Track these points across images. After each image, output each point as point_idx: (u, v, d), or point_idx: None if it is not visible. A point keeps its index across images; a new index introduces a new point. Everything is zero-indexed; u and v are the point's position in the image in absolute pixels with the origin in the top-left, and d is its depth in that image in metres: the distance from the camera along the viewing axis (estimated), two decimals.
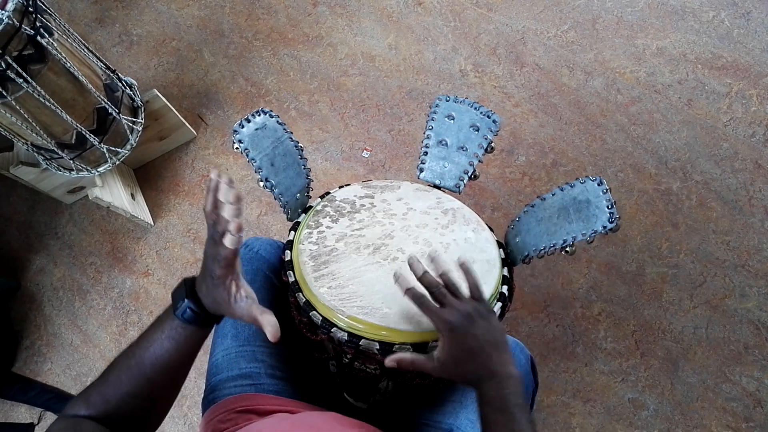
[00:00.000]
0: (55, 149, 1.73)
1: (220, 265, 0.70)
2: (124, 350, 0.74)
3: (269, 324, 0.72)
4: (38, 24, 1.48)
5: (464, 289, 0.80)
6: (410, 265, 0.81)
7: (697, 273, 1.73)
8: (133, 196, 2.05)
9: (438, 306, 0.77)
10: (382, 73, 2.24)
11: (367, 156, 2.07)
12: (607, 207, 0.87)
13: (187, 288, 0.74)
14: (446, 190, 1.11)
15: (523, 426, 0.68)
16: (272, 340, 0.72)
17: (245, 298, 0.74)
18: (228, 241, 0.67)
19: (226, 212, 0.67)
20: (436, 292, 0.78)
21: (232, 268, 0.72)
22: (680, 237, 1.78)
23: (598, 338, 1.69)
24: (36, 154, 1.80)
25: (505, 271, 0.96)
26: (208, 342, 0.85)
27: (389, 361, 0.79)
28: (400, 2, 2.39)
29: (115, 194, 1.95)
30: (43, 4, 1.55)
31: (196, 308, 0.73)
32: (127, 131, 1.86)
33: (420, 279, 0.79)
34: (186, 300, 0.73)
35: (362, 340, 0.83)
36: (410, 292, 0.78)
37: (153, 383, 0.72)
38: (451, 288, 0.79)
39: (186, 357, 0.75)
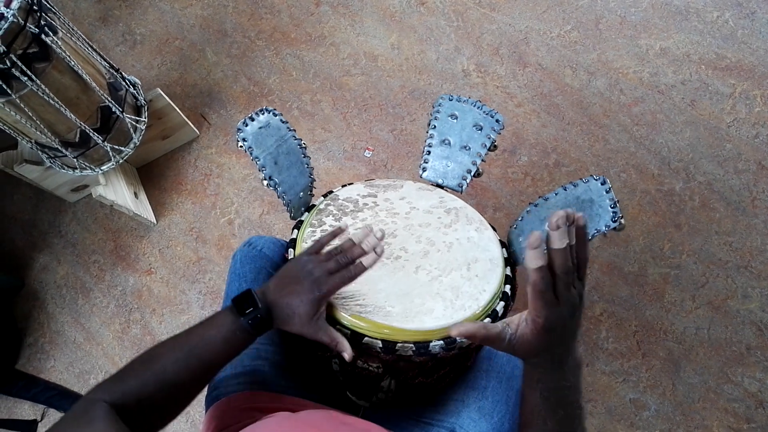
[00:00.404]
0: (59, 147, 1.73)
1: (340, 282, 0.79)
2: (168, 342, 0.76)
3: (347, 348, 0.80)
4: (43, 22, 1.48)
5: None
6: (553, 227, 0.60)
7: (700, 274, 1.73)
8: (136, 194, 2.06)
9: (554, 299, 0.63)
10: (385, 73, 2.24)
11: (369, 156, 2.07)
12: (611, 206, 0.87)
13: (259, 298, 0.79)
14: (449, 190, 1.11)
15: (576, 428, 0.66)
16: (348, 360, 0.79)
17: (324, 320, 0.81)
18: (369, 260, 0.81)
19: (370, 241, 0.82)
20: (564, 282, 0.62)
21: (340, 288, 0.80)
22: (683, 238, 1.78)
23: (599, 338, 1.69)
24: (40, 153, 1.81)
25: (508, 271, 0.96)
26: None
27: (455, 331, 0.70)
28: (403, 2, 2.39)
29: (119, 193, 1.95)
30: (47, 2, 1.56)
31: (266, 317, 0.78)
32: (131, 130, 1.87)
33: (557, 257, 0.61)
34: (258, 308, 0.77)
35: (365, 338, 0.83)
36: (539, 272, 0.61)
37: (194, 376, 0.75)
38: (574, 276, 0.64)
39: (230, 357, 0.79)
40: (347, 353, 0.80)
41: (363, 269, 0.80)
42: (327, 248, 0.87)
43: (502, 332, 0.70)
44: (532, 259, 0.61)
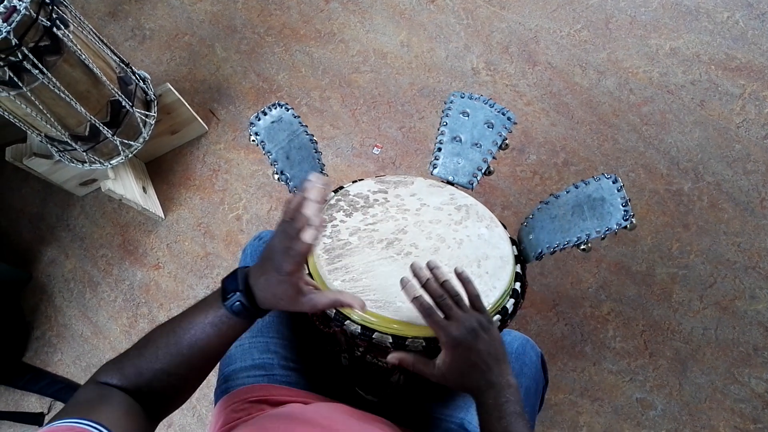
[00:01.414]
0: (69, 141, 1.74)
1: (293, 261, 0.70)
2: (162, 326, 0.74)
3: (352, 298, 0.76)
4: (54, 16, 1.49)
5: (465, 299, 0.80)
6: (414, 272, 0.81)
7: (708, 274, 1.73)
8: (144, 189, 2.06)
9: (444, 319, 0.76)
10: (394, 70, 2.24)
11: (377, 153, 2.07)
12: (622, 205, 0.87)
13: (240, 279, 0.74)
14: (459, 187, 1.11)
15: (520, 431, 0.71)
16: (360, 311, 0.77)
17: (314, 290, 0.76)
18: (308, 235, 0.67)
19: (310, 209, 0.68)
20: (442, 303, 0.77)
21: (302, 264, 0.72)
22: (691, 238, 1.78)
23: (606, 338, 1.69)
24: (49, 146, 1.82)
25: (518, 268, 0.96)
26: None
27: (392, 357, 0.82)
28: (413, 0, 2.39)
29: (127, 187, 1.96)
30: None
31: (246, 302, 0.72)
32: (140, 124, 1.87)
33: (424, 286, 0.79)
34: (238, 293, 0.72)
35: (375, 334, 0.83)
36: (417, 301, 0.77)
37: (188, 364, 0.72)
38: (454, 298, 0.79)
39: (224, 345, 0.76)
40: (357, 304, 0.75)
41: (306, 246, 0.69)
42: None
43: (430, 361, 0.79)
44: (405, 291, 0.79)
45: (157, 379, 0.71)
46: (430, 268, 0.82)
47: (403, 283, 0.80)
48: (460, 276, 0.81)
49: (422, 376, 0.80)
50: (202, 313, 0.73)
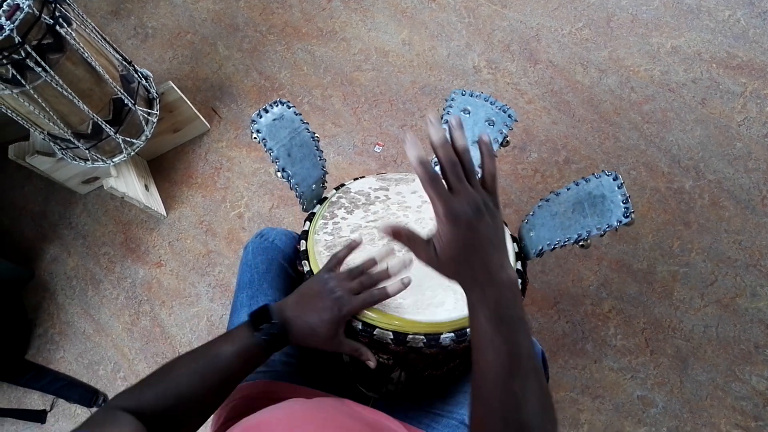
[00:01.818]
0: (71, 139, 1.74)
1: (363, 305, 0.80)
2: (186, 354, 0.77)
3: (371, 357, 0.83)
4: (57, 14, 1.49)
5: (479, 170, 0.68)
6: (431, 128, 0.62)
7: (709, 272, 1.73)
8: (146, 187, 2.07)
9: (448, 191, 0.63)
10: (396, 69, 2.24)
11: (379, 151, 2.08)
12: (623, 202, 0.87)
13: (275, 313, 0.79)
14: None
15: (521, 340, 0.60)
16: (373, 368, 0.82)
17: (343, 334, 0.82)
18: (394, 289, 0.81)
19: (397, 267, 0.82)
20: (451, 172, 0.63)
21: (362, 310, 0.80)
22: (692, 236, 1.78)
23: (608, 335, 1.69)
24: (52, 144, 1.82)
25: (519, 265, 0.96)
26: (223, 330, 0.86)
27: (386, 228, 0.71)
28: None
29: (130, 185, 1.96)
30: None
31: (281, 333, 0.78)
32: (143, 122, 1.88)
33: (437, 148, 0.63)
34: (273, 324, 0.78)
35: (376, 330, 0.83)
36: (423, 167, 0.61)
37: (210, 390, 0.75)
38: (467, 170, 0.64)
39: (246, 372, 0.79)
40: (372, 362, 0.82)
41: (387, 296, 0.79)
42: (348, 265, 0.88)
43: (425, 240, 0.69)
44: (409, 150, 0.61)
45: (177, 405, 0.72)
46: (453, 126, 0.66)
47: (409, 141, 0.62)
48: (484, 146, 0.68)
49: (417, 256, 0.70)
50: (229, 342, 0.77)
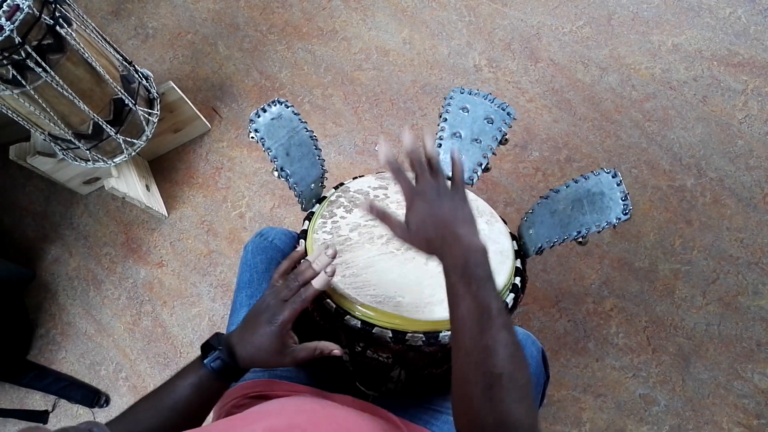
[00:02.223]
0: (72, 139, 1.74)
1: (291, 310, 0.76)
2: (146, 395, 0.76)
3: (333, 346, 0.81)
4: (57, 14, 1.49)
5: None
6: (403, 138, 0.75)
7: (710, 270, 1.72)
8: (147, 187, 2.07)
9: (402, 170, 0.75)
10: (396, 68, 2.24)
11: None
12: (621, 199, 0.87)
13: (222, 340, 0.78)
14: None
15: (489, 298, 0.65)
16: (340, 354, 0.81)
17: (296, 343, 0.81)
18: (320, 282, 0.78)
19: (321, 260, 0.79)
20: (415, 165, 0.75)
21: (296, 315, 0.78)
22: (693, 234, 1.78)
23: (609, 334, 1.69)
24: (53, 144, 1.82)
25: (518, 263, 0.96)
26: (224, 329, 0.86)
27: (365, 204, 0.77)
28: None
29: (131, 185, 1.96)
30: None
31: (226, 359, 0.76)
32: (143, 122, 1.88)
33: (407, 152, 0.75)
34: (218, 351, 0.76)
35: (375, 328, 0.83)
36: (390, 164, 0.74)
37: (169, 426, 0.74)
38: (432, 165, 0.76)
39: (203, 405, 0.78)
40: (337, 351, 0.81)
41: (315, 292, 0.77)
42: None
43: (398, 218, 0.77)
44: (380, 151, 0.75)
45: None
46: (426, 136, 0.79)
47: (380, 143, 0.77)
48: (453, 156, 0.78)
49: (391, 232, 0.77)
50: (183, 377, 0.76)
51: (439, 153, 0.86)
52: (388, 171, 0.75)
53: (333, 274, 0.79)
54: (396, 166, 0.74)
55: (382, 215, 0.77)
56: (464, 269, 0.67)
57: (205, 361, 0.76)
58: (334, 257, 0.80)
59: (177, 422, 0.74)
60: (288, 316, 0.76)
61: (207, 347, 0.78)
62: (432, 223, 0.72)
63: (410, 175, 0.77)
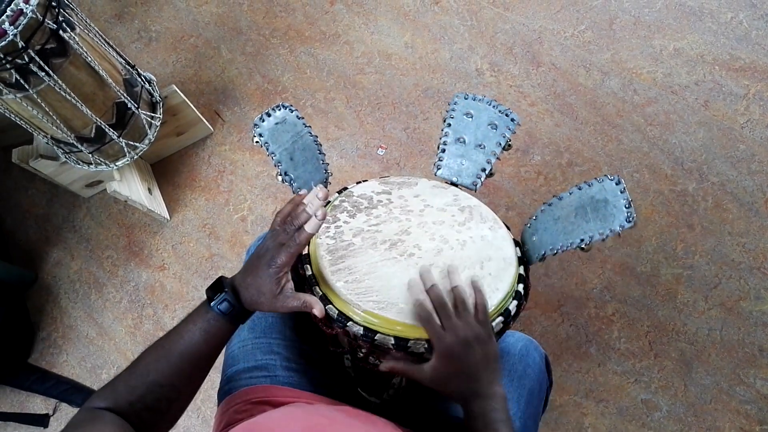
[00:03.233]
0: (75, 143, 1.75)
1: (288, 253, 0.77)
2: (152, 344, 0.77)
3: (315, 304, 0.81)
4: (61, 18, 1.50)
5: (470, 305, 0.81)
6: (421, 275, 0.83)
7: (712, 275, 1.72)
8: (150, 190, 2.07)
9: (440, 326, 0.78)
10: (398, 72, 2.24)
11: (382, 154, 2.08)
12: (625, 206, 0.87)
13: (225, 282, 0.80)
14: (463, 188, 1.11)
15: None
16: (320, 315, 0.82)
17: (291, 290, 0.81)
18: (311, 225, 0.77)
19: (313, 205, 0.79)
20: (441, 312, 0.79)
21: (293, 258, 0.78)
22: (695, 238, 1.78)
23: (611, 338, 1.69)
24: (55, 148, 1.83)
25: (521, 270, 0.96)
26: None
27: (384, 366, 0.84)
28: (417, 1, 2.39)
29: (133, 188, 1.96)
30: None
31: (233, 301, 0.78)
32: (146, 126, 1.88)
33: (428, 291, 0.81)
34: (224, 293, 0.78)
35: (377, 335, 0.83)
36: (419, 306, 0.79)
37: (179, 373, 0.76)
38: (458, 305, 0.80)
39: (213, 349, 0.79)
40: (317, 309, 0.81)
41: (307, 236, 0.77)
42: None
43: (420, 367, 0.81)
44: (412, 298, 0.81)
45: (150, 392, 0.73)
46: (449, 271, 0.84)
47: (410, 285, 0.83)
48: (474, 285, 0.83)
49: (413, 380, 0.82)
50: (190, 322, 0.78)
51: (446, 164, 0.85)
52: (418, 315, 0.80)
53: (323, 217, 0.78)
54: (427, 313, 0.78)
55: (398, 369, 0.83)
56: (484, 416, 0.74)
57: (211, 304, 0.77)
58: (325, 198, 0.80)
59: (186, 369, 0.76)
60: (285, 259, 0.77)
61: (212, 291, 0.79)
62: (454, 378, 0.77)
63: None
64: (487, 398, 0.75)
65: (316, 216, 0.77)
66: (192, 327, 0.77)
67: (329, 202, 1.06)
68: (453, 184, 1.12)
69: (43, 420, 1.87)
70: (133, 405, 0.71)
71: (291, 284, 0.82)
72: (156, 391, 0.73)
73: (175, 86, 2.00)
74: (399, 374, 0.82)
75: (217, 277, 0.82)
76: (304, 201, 0.80)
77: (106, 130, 1.75)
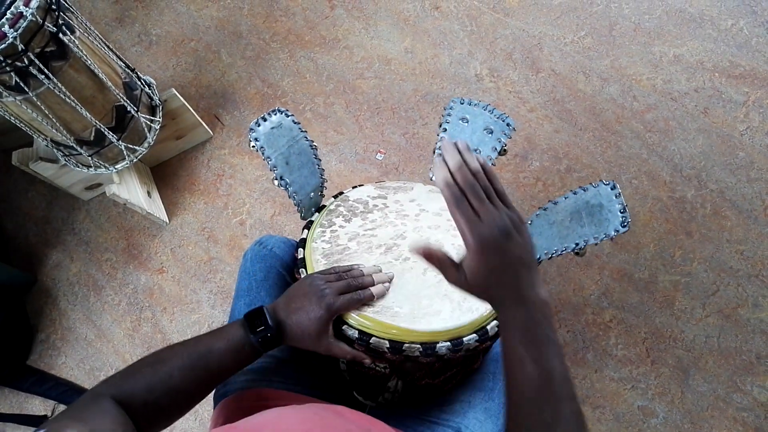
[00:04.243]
0: (74, 146, 1.75)
1: (348, 302, 0.82)
2: (177, 347, 0.79)
3: (364, 356, 0.85)
4: (61, 21, 1.50)
5: (500, 188, 0.68)
6: (445, 151, 0.67)
7: (710, 282, 1.72)
8: (149, 193, 2.07)
9: (474, 215, 0.63)
10: (398, 77, 2.25)
11: (380, 158, 2.08)
12: (620, 211, 0.87)
13: (270, 315, 0.81)
14: None
15: (552, 362, 0.59)
16: (369, 364, 0.87)
17: (332, 335, 0.84)
18: (378, 290, 0.85)
19: (381, 278, 0.87)
20: (472, 195, 0.63)
21: (348, 310, 0.83)
22: (694, 245, 1.78)
23: (608, 345, 1.69)
24: (55, 150, 1.83)
25: None
26: None
27: (418, 247, 0.71)
28: (417, 6, 2.40)
29: (132, 192, 1.97)
30: (65, 2, 1.57)
31: (275, 335, 0.80)
32: (145, 129, 1.89)
33: (455, 172, 0.65)
34: (269, 327, 0.80)
35: (372, 338, 0.83)
36: (448, 187, 0.64)
37: (200, 384, 0.78)
38: (486, 190, 0.65)
39: (236, 370, 0.82)
40: (367, 360, 0.85)
41: (372, 296, 0.83)
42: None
43: (454, 262, 0.69)
44: (437, 172, 0.65)
45: (167, 396, 0.75)
46: (460, 149, 0.67)
47: (435, 164, 0.67)
48: (486, 169, 0.67)
49: (446, 277, 0.70)
50: (222, 339, 0.80)
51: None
52: (447, 197, 0.64)
53: (385, 293, 0.86)
54: (458, 195, 0.64)
55: (437, 261, 0.70)
56: (526, 330, 0.62)
57: (252, 336, 0.79)
58: (390, 281, 0.88)
59: (207, 381, 0.79)
60: (343, 306, 0.80)
61: (253, 318, 0.81)
62: (494, 275, 0.64)
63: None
64: (531, 305, 0.62)
65: (384, 286, 0.86)
66: (224, 345, 0.79)
67: (324, 206, 1.07)
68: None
69: (41, 421, 1.86)
70: (147, 405, 0.73)
71: (332, 331, 0.84)
72: (173, 396, 0.75)
73: (174, 90, 2.00)
74: (432, 261, 0.71)
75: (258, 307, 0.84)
76: (361, 269, 0.88)
77: (106, 133, 1.76)
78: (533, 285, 0.63)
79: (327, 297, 0.80)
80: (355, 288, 0.83)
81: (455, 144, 0.67)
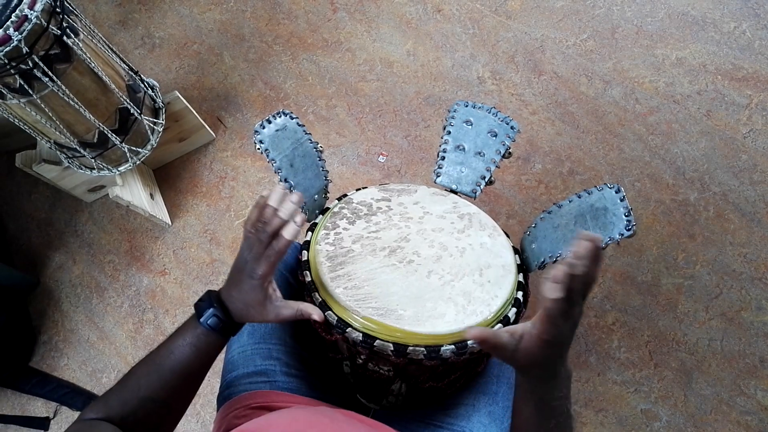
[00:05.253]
0: (78, 148, 1.75)
1: (267, 263, 0.75)
2: (143, 358, 0.78)
3: (313, 310, 0.81)
4: (65, 24, 1.50)
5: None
6: (577, 256, 0.59)
7: (714, 285, 1.72)
8: (152, 195, 2.07)
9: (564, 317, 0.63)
10: (400, 79, 2.25)
11: (383, 161, 2.08)
12: (625, 215, 0.87)
13: (213, 297, 0.79)
14: (463, 195, 1.12)
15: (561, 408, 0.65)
16: (320, 320, 0.81)
17: (280, 298, 0.81)
18: (289, 231, 0.74)
19: (286, 208, 0.74)
20: (575, 299, 0.61)
21: (274, 267, 0.77)
22: (697, 248, 1.78)
23: (611, 348, 1.68)
24: (58, 152, 1.83)
25: (521, 277, 0.96)
26: None
27: (470, 334, 0.69)
28: (419, 9, 2.40)
29: (135, 194, 1.97)
30: (69, 5, 1.58)
31: (221, 315, 0.78)
32: (148, 132, 1.89)
33: (574, 277, 0.59)
34: (212, 308, 0.78)
35: (377, 341, 0.83)
36: (556, 303, 0.61)
37: (170, 388, 0.76)
38: (583, 287, 0.62)
39: (204, 364, 0.80)
40: (316, 314, 0.81)
41: (286, 243, 0.74)
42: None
43: (509, 343, 0.69)
44: (552, 291, 0.60)
45: (142, 407, 0.73)
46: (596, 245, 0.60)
47: (557, 274, 0.60)
48: (592, 241, 0.60)
49: (496, 355, 0.71)
50: (179, 337, 0.78)
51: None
52: (558, 301, 0.61)
53: (302, 222, 0.76)
54: (566, 307, 0.62)
55: (492, 347, 0.70)
56: (546, 399, 0.68)
57: (200, 320, 0.77)
58: (299, 202, 0.77)
59: (177, 384, 0.76)
60: (266, 269, 0.75)
61: (200, 306, 0.79)
62: (542, 362, 0.67)
63: None
64: (560, 380, 0.67)
65: (295, 222, 0.74)
66: (182, 342, 0.77)
67: (328, 208, 1.07)
68: (452, 191, 1.13)
69: (43, 423, 1.87)
70: (125, 419, 0.72)
71: (278, 293, 0.82)
72: (147, 407, 0.74)
73: (177, 92, 2.01)
74: (487, 350, 0.71)
75: (206, 290, 0.82)
76: (270, 203, 0.75)
77: (109, 135, 1.76)
78: (563, 359, 0.68)
79: (249, 264, 0.76)
80: (269, 241, 0.74)
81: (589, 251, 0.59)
